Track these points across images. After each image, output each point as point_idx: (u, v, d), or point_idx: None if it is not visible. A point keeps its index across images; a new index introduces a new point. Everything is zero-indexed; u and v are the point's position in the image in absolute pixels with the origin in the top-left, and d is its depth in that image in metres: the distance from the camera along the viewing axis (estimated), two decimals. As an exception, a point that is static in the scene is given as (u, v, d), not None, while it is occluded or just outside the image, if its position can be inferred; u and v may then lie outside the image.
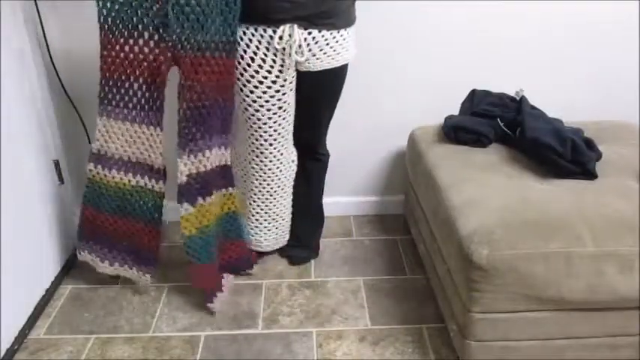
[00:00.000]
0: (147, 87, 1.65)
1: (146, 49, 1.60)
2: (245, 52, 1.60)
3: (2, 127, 1.60)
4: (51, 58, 1.87)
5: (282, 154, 1.77)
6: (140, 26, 1.58)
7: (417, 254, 1.99)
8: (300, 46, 1.56)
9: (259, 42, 1.58)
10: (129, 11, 1.56)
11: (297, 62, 1.60)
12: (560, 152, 1.57)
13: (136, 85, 1.65)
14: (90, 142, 2.08)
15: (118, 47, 1.61)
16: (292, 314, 1.78)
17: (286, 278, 1.93)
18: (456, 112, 1.96)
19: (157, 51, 1.59)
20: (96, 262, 1.86)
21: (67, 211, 2.04)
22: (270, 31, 1.55)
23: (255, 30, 1.57)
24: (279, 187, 1.84)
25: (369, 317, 1.75)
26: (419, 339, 1.66)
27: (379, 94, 1.94)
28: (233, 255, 1.90)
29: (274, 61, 1.59)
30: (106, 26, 1.60)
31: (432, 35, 2.01)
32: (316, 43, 1.58)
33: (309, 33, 1.56)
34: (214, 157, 1.72)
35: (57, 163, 1.95)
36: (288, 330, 1.71)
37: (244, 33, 1.58)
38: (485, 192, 1.51)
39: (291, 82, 1.65)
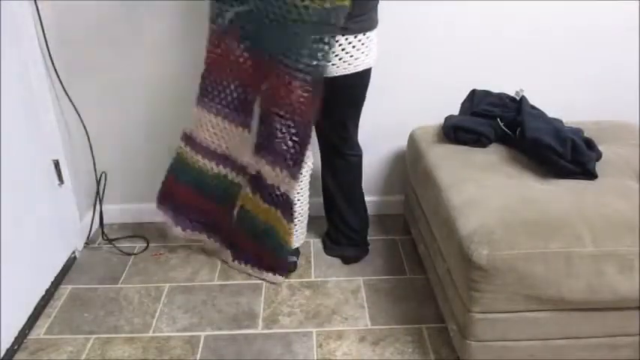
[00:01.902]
0: (242, 90, 1.73)
1: (246, 54, 1.67)
2: None
3: (2, 127, 1.60)
4: (51, 58, 1.87)
5: None
6: (244, 33, 1.65)
7: (417, 254, 1.99)
8: None
9: None
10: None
11: None
12: (560, 152, 1.57)
13: (232, 86, 1.74)
14: (90, 142, 2.09)
15: (223, 46, 1.69)
16: (292, 314, 1.78)
17: (286, 278, 1.93)
18: (456, 112, 1.96)
19: (254, 59, 1.67)
20: (170, 225, 1.99)
21: (67, 211, 2.04)
22: None
23: None
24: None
25: (369, 317, 1.75)
26: (419, 339, 1.66)
27: (379, 94, 1.94)
28: (264, 257, 1.93)
29: None
30: (216, 27, 1.69)
31: (432, 35, 2.01)
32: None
33: None
34: (270, 175, 1.78)
35: (57, 163, 1.95)
36: (288, 330, 1.71)
37: None
38: (485, 192, 1.51)
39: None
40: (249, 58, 1.67)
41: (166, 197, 1.97)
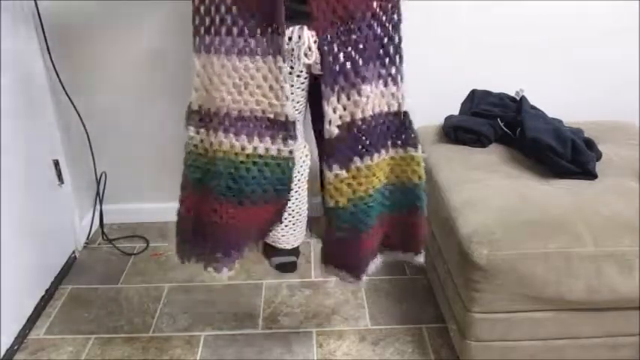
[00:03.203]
0: (259, 4, 1.16)
1: None
2: None
3: (2, 127, 1.60)
4: (51, 58, 1.87)
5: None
6: None
7: (417, 254, 1.99)
8: (309, 48, 1.53)
9: None
10: None
11: (308, 64, 1.57)
12: (560, 152, 1.57)
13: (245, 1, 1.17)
14: (90, 142, 2.09)
15: None
16: (292, 314, 1.77)
17: (286, 278, 1.93)
18: (456, 112, 1.96)
19: None
20: (211, 270, 1.35)
21: (67, 211, 2.04)
22: None
23: None
24: (292, 182, 1.82)
25: (369, 317, 1.75)
26: (419, 339, 1.66)
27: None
28: (394, 234, 1.40)
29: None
30: None
31: (431, 35, 2.01)
32: None
33: None
34: (376, 96, 1.25)
35: (57, 163, 1.95)
36: (288, 330, 1.71)
37: None
38: (486, 192, 1.51)
39: (302, 83, 1.63)
40: None
41: (192, 231, 1.36)
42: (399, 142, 1.30)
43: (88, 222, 2.18)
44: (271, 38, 1.18)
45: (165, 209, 2.29)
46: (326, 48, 1.21)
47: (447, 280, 1.55)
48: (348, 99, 1.22)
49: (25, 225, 1.73)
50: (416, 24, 1.97)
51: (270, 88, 1.21)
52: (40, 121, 1.86)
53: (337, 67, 1.21)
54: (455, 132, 1.82)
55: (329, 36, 1.20)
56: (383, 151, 1.29)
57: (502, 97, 1.91)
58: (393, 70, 1.29)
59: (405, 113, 1.31)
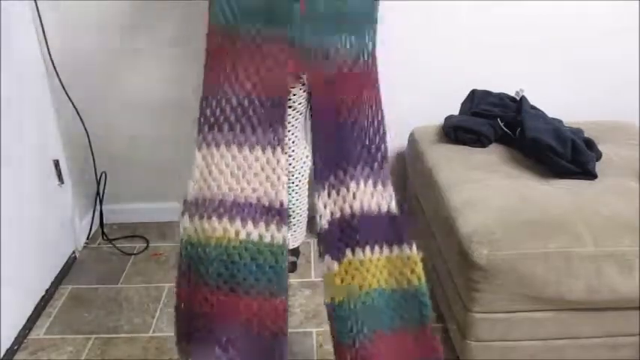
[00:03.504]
0: (265, 98, 1.25)
1: (265, 47, 1.22)
2: None
3: (2, 127, 1.60)
4: (51, 58, 1.87)
5: (293, 150, 1.77)
6: (259, 22, 1.23)
7: (417, 254, 1.99)
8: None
9: None
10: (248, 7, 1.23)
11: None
12: (560, 152, 1.57)
13: (247, 100, 1.25)
14: (90, 142, 2.09)
15: (225, 44, 1.25)
16: (292, 314, 1.77)
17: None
18: (456, 112, 1.96)
19: (279, 47, 1.23)
20: None
21: (67, 211, 2.04)
22: None
23: None
24: (292, 182, 1.83)
25: (369, 317, 1.75)
26: (419, 339, 1.66)
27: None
28: (406, 350, 1.31)
29: None
30: (217, 25, 1.26)
31: (431, 35, 2.01)
32: None
33: None
34: (365, 195, 1.29)
35: (57, 163, 1.95)
36: (288, 330, 1.71)
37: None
38: (486, 192, 1.51)
39: (303, 84, 1.63)
40: (272, 47, 1.22)
41: (189, 325, 1.29)
42: (393, 241, 1.30)
43: (88, 222, 2.18)
44: (274, 133, 1.24)
45: (165, 209, 2.29)
46: (321, 144, 1.26)
47: (447, 280, 1.55)
48: (338, 195, 1.27)
49: (25, 225, 1.73)
50: (416, 24, 1.98)
51: (267, 177, 1.24)
52: (40, 121, 1.86)
53: (328, 166, 1.27)
54: (455, 132, 1.82)
55: (322, 135, 1.27)
56: (377, 248, 1.28)
57: (502, 97, 1.91)
58: (381, 174, 1.31)
59: (395, 213, 1.31)
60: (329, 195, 1.28)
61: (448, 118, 1.89)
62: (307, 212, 1.95)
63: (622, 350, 1.44)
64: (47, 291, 1.85)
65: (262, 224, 1.24)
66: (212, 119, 1.26)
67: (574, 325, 1.40)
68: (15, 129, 1.68)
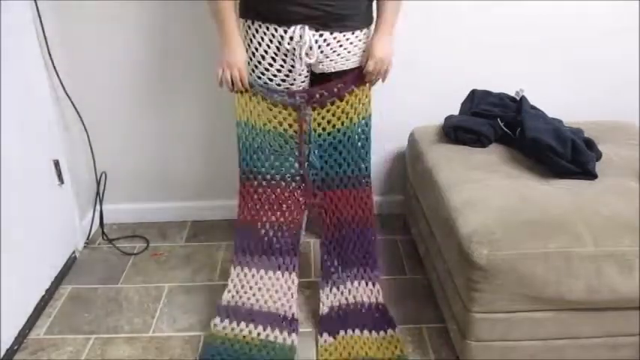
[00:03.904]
0: (282, 232, 1.70)
1: (285, 193, 1.69)
2: (256, 49, 1.58)
3: (2, 127, 1.60)
4: (51, 58, 1.87)
5: None
6: (279, 173, 1.69)
7: (417, 254, 1.99)
8: (310, 47, 1.54)
9: (270, 41, 1.56)
10: (268, 165, 1.68)
11: (310, 63, 1.59)
12: (560, 152, 1.57)
13: (271, 232, 1.70)
14: (90, 142, 2.09)
15: (256, 195, 1.70)
16: (292, 314, 1.77)
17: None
18: (456, 112, 1.96)
19: (294, 194, 1.70)
20: None
21: (67, 211, 2.04)
22: (280, 31, 1.53)
23: (267, 29, 1.54)
24: None
25: (369, 317, 1.75)
26: (419, 339, 1.66)
27: (379, 94, 1.94)
28: None
29: (284, 61, 1.58)
30: (244, 176, 1.70)
31: (432, 35, 2.01)
32: (328, 44, 1.56)
33: (321, 35, 1.54)
34: (358, 291, 1.73)
35: (57, 163, 1.95)
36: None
37: (256, 30, 1.56)
38: (486, 192, 1.51)
39: (303, 82, 1.63)
40: (290, 195, 1.69)
41: None
42: (379, 327, 1.65)
43: (88, 222, 2.18)
44: (290, 260, 1.70)
45: (165, 209, 2.30)
46: (327, 251, 1.74)
47: (447, 280, 1.55)
48: (337, 289, 1.72)
49: (25, 225, 1.73)
50: (416, 24, 1.98)
51: (284, 294, 1.68)
52: (40, 121, 1.86)
53: (332, 268, 1.73)
54: (455, 132, 1.82)
55: (329, 246, 1.75)
56: (365, 331, 1.64)
57: (502, 97, 1.91)
58: (374, 275, 1.74)
59: (383, 305, 1.71)
60: (331, 290, 1.72)
61: (448, 118, 1.89)
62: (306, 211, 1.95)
63: (622, 350, 1.44)
64: (47, 291, 1.85)
65: (277, 330, 1.62)
66: (245, 245, 1.70)
67: (574, 325, 1.40)
68: (15, 129, 1.68)
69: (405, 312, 1.77)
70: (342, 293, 1.72)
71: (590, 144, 1.65)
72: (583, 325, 1.40)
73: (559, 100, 1.93)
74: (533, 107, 1.83)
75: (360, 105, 1.66)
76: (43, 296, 1.83)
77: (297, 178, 1.70)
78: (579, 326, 1.40)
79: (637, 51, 2.06)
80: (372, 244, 1.76)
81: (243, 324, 1.62)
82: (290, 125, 1.65)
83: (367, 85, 1.66)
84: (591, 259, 1.31)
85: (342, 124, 1.66)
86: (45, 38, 1.83)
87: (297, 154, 1.67)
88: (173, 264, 2.04)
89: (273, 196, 1.70)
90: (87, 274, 1.99)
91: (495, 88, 1.95)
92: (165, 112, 2.11)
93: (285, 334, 1.61)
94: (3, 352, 1.58)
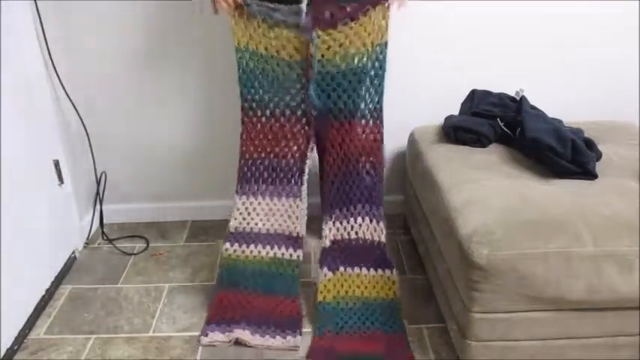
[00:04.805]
0: (286, 161, 1.69)
1: (287, 125, 1.65)
2: None
3: (2, 127, 1.60)
4: (51, 58, 1.87)
5: None
6: (282, 104, 1.63)
7: (417, 254, 1.99)
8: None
9: None
10: (270, 95, 1.62)
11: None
12: (560, 152, 1.57)
13: (275, 161, 1.69)
14: (90, 142, 2.09)
15: (259, 126, 1.66)
16: (292, 314, 1.77)
17: None
18: (456, 112, 1.96)
19: (298, 126, 1.65)
20: (230, 340, 1.61)
21: (67, 211, 2.04)
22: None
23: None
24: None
25: (369, 317, 1.75)
26: (419, 339, 1.66)
27: (379, 94, 1.95)
28: (380, 347, 1.59)
29: None
30: (247, 105, 1.67)
31: (432, 35, 2.01)
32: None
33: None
34: (361, 228, 1.71)
35: (57, 163, 1.95)
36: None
37: None
38: (485, 192, 1.51)
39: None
40: (293, 125, 1.65)
41: (221, 316, 1.68)
42: (379, 265, 1.69)
43: (88, 222, 2.18)
44: (297, 187, 1.71)
45: (165, 209, 2.30)
46: (330, 187, 1.70)
47: (447, 280, 1.55)
48: (341, 224, 1.72)
49: (25, 225, 1.73)
50: (416, 24, 1.98)
51: (289, 217, 1.73)
52: (40, 121, 1.86)
53: (335, 203, 1.71)
54: (455, 132, 1.82)
55: (333, 180, 1.71)
56: (364, 269, 1.69)
57: (502, 97, 1.91)
58: (379, 210, 1.72)
59: (384, 244, 1.71)
60: (334, 224, 1.71)
61: (448, 118, 1.89)
62: (306, 211, 1.94)
63: (622, 350, 1.44)
64: (47, 291, 1.85)
65: (284, 247, 1.72)
66: (249, 175, 1.72)
67: (574, 325, 1.40)
68: (15, 129, 1.68)
69: (405, 312, 1.76)
70: (344, 229, 1.70)
71: (590, 144, 1.65)
72: (583, 325, 1.40)
73: (559, 100, 1.93)
74: (533, 107, 1.83)
75: (377, 29, 1.54)
76: (43, 296, 1.83)
77: (303, 107, 1.62)
78: (579, 326, 1.40)
79: (637, 51, 2.06)
80: (380, 180, 1.70)
81: (252, 246, 1.71)
82: (296, 50, 1.53)
83: (385, 4, 1.52)
84: (591, 259, 1.31)
85: (355, 49, 1.54)
86: (45, 38, 1.83)
87: (302, 81, 1.58)
88: (173, 264, 2.04)
89: (277, 127, 1.64)
90: (87, 274, 1.99)
91: (495, 88, 1.95)
92: (165, 112, 2.11)
93: (291, 250, 1.69)
94: (3, 352, 1.58)
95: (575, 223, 1.36)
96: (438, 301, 1.69)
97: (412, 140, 1.98)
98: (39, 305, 1.79)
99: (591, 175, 1.57)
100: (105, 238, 2.18)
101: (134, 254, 2.10)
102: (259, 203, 1.72)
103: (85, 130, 2.06)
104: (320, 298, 1.65)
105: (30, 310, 1.75)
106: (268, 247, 1.72)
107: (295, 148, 1.68)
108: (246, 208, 1.74)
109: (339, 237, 1.70)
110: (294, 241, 1.72)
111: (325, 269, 1.67)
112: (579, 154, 1.58)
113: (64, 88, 1.94)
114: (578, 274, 1.32)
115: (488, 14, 1.98)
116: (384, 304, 1.65)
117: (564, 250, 1.32)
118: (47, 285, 1.86)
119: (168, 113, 2.11)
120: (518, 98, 1.88)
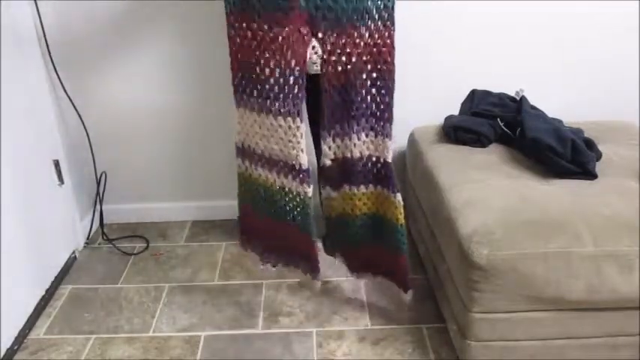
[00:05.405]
0: (281, 70, 1.40)
1: (278, 26, 1.36)
2: None
3: (2, 127, 1.60)
4: (51, 58, 1.87)
5: None
6: (270, 7, 1.36)
7: (417, 254, 1.99)
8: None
9: None
10: None
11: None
12: (560, 152, 1.57)
13: (267, 70, 1.41)
14: (90, 142, 2.09)
15: (245, 25, 1.40)
16: (292, 314, 1.77)
17: (286, 278, 1.93)
18: (456, 112, 1.96)
19: (291, 26, 1.36)
20: (256, 261, 1.72)
21: (67, 211, 2.04)
22: None
23: None
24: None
25: (369, 317, 1.75)
26: (419, 339, 1.66)
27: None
28: (383, 264, 1.68)
29: None
30: (233, 6, 1.42)
31: (431, 35, 2.01)
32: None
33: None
34: (364, 143, 1.52)
35: (57, 163, 1.95)
36: (288, 330, 1.71)
37: None
38: (485, 192, 1.51)
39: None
40: (285, 26, 1.37)
41: (248, 229, 1.71)
42: (381, 185, 1.57)
43: (88, 222, 2.18)
44: (292, 103, 1.42)
45: (165, 209, 2.30)
46: (329, 101, 1.46)
47: (447, 280, 1.55)
48: (342, 141, 1.52)
49: (25, 225, 1.73)
50: (416, 24, 1.98)
51: (289, 141, 1.46)
52: (40, 121, 1.86)
53: (335, 118, 1.49)
54: (455, 132, 1.82)
55: (332, 93, 1.46)
56: (363, 187, 1.58)
57: (502, 97, 1.91)
58: (385, 126, 1.53)
59: (388, 163, 1.54)
60: (333, 141, 1.52)
61: (448, 118, 1.89)
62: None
63: (622, 350, 1.44)
64: (47, 291, 1.85)
65: (290, 177, 1.50)
66: (243, 82, 1.48)
67: (574, 325, 1.40)
68: (15, 129, 1.68)
69: (405, 312, 1.77)
70: (346, 146, 1.52)
71: (590, 144, 1.65)
72: (583, 325, 1.40)
73: (559, 100, 1.93)
74: (533, 107, 1.83)
75: None
76: (43, 296, 1.83)
77: (302, 6, 1.36)
78: (579, 326, 1.40)
79: (637, 51, 2.06)
80: (390, 93, 1.51)
81: (259, 168, 1.57)
82: None
83: None
84: (591, 259, 1.32)
85: None
86: (45, 38, 1.83)
87: None
88: (173, 264, 2.04)
89: (271, 34, 1.39)
90: (87, 274, 1.99)
91: (495, 88, 1.95)
92: (165, 111, 2.11)
93: (297, 182, 1.50)
94: (3, 352, 1.58)
95: (575, 223, 1.36)
96: (438, 301, 1.70)
97: (412, 140, 1.98)
98: (39, 305, 1.79)
99: (591, 175, 1.57)
100: (105, 238, 2.18)
101: (134, 254, 2.10)
102: (255, 120, 1.49)
103: (85, 129, 2.06)
104: (325, 214, 1.64)
105: (30, 310, 1.75)
106: (275, 174, 1.54)
107: (294, 61, 1.41)
108: (246, 122, 1.53)
109: (339, 155, 1.53)
110: (298, 173, 1.49)
111: (328, 188, 1.59)
112: (579, 154, 1.58)
113: (64, 89, 1.94)
114: (578, 274, 1.32)
115: (488, 14, 1.98)
116: (384, 222, 1.59)
117: (564, 250, 1.32)
118: (47, 285, 1.86)
119: (169, 113, 2.11)
120: (518, 98, 1.88)
